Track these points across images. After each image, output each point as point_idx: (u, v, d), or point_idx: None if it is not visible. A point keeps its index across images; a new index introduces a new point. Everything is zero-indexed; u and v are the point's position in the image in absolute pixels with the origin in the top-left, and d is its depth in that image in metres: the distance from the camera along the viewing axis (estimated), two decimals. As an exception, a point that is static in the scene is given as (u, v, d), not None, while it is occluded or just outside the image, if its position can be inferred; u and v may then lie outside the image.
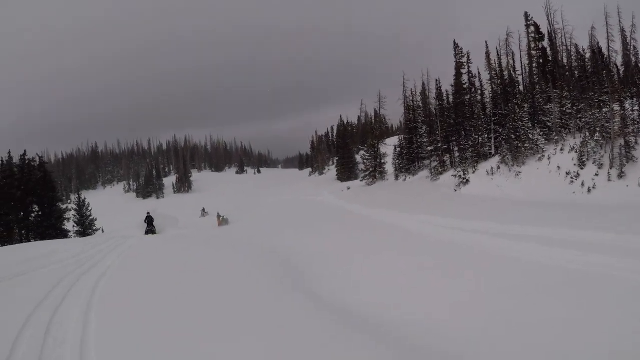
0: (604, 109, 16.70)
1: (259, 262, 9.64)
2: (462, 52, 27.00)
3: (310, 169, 73.93)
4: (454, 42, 27.19)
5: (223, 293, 6.92)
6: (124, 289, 7.23)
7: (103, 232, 26.01)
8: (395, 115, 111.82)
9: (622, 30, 23.28)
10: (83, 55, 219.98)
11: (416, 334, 4.93)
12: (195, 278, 8.11)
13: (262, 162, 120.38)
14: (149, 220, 23.69)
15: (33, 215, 22.41)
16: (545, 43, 25.17)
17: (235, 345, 4.55)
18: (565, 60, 24.83)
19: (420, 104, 33.21)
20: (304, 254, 10.78)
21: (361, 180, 35.41)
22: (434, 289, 6.70)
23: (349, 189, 34.08)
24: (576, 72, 23.23)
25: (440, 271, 7.72)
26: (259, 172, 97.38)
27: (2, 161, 22.96)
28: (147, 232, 22.68)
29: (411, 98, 33.07)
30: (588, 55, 23.25)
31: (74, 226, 25.68)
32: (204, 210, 31.66)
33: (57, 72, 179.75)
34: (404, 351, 4.44)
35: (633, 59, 22.99)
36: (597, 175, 14.83)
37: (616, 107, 16.13)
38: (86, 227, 25.96)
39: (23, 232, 21.93)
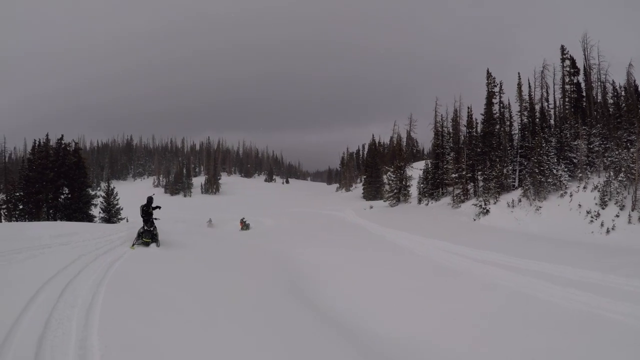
0: (631, 149, 16.43)
1: (266, 265, 11.21)
2: (494, 81, 27.05)
3: (337, 185, 74.28)
4: (487, 71, 27.31)
5: (225, 284, 8.04)
6: (134, 270, 7.92)
7: (127, 221, 25.98)
8: (428, 139, 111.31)
9: (662, 69, 22.69)
10: (141, 59, 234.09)
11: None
12: (207, 271, 9.06)
13: (291, 172, 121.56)
14: (147, 212, 12.42)
15: (62, 197, 23.26)
16: (580, 78, 24.90)
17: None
18: (599, 97, 24.42)
19: (451, 130, 33.27)
20: (307, 263, 12.10)
21: (385, 201, 35.57)
22: (416, 307, 7.67)
23: (371, 207, 34.41)
24: (610, 110, 22.78)
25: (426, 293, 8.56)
26: (287, 182, 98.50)
27: (40, 142, 24.51)
28: (138, 239, 11.62)
29: (441, 123, 33.23)
30: (623, 93, 22.79)
31: (100, 212, 26.35)
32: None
33: (107, 74, 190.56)
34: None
35: (673, 98, 22.26)
36: (617, 216, 14.61)
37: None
38: (112, 214, 26.60)
39: (51, 211, 22.75)
